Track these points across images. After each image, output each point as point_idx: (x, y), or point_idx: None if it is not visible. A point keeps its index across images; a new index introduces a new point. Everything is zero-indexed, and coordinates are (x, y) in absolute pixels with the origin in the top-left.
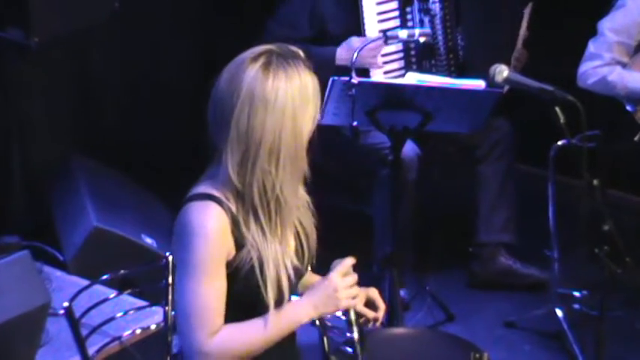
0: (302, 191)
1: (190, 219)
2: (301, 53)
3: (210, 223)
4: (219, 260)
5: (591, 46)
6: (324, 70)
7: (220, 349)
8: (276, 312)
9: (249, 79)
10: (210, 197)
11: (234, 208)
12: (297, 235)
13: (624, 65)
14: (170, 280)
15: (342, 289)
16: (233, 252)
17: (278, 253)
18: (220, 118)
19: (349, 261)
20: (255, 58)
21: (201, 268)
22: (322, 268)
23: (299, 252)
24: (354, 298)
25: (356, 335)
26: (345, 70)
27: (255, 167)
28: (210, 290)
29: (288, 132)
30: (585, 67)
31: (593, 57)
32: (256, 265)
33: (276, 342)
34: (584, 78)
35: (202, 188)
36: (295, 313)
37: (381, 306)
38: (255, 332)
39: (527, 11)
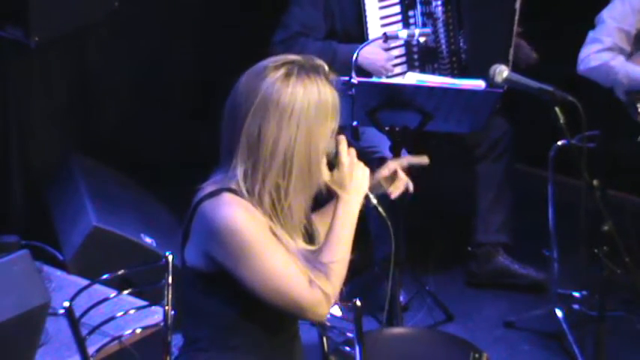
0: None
1: (215, 215)
2: (326, 67)
3: (235, 207)
4: (265, 230)
5: (591, 33)
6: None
7: (325, 288)
8: (337, 221)
9: (267, 87)
10: (220, 190)
11: (245, 194)
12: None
13: (627, 54)
14: (170, 279)
15: (356, 166)
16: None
17: (292, 244)
18: (233, 123)
19: (343, 139)
20: (276, 67)
21: (257, 244)
22: None
23: (305, 237)
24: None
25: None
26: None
27: (266, 179)
28: (278, 255)
29: (302, 147)
30: (586, 51)
31: (593, 41)
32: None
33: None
34: (585, 62)
35: (212, 187)
36: (351, 210)
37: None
38: (334, 248)
39: (517, 6)
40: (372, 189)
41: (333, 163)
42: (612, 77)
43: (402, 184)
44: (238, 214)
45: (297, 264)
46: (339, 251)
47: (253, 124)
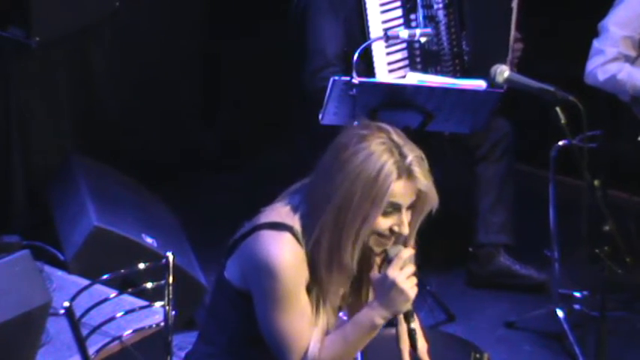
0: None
1: (268, 250)
2: (416, 158)
3: (289, 254)
4: (300, 287)
5: (596, 43)
6: None
7: None
8: (353, 322)
9: (348, 132)
10: (285, 227)
11: (304, 243)
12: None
13: (632, 59)
14: (170, 279)
15: (404, 283)
16: (308, 280)
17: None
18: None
19: (406, 253)
20: (373, 126)
21: (286, 298)
22: None
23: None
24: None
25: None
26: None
27: (317, 225)
28: (296, 316)
29: (337, 208)
30: (593, 64)
31: (598, 53)
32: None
33: (361, 349)
34: (593, 75)
35: (278, 216)
36: (370, 319)
37: None
38: (340, 345)
39: (514, 5)
40: None
41: (384, 264)
42: (619, 89)
43: None
44: (286, 262)
45: (308, 336)
46: (339, 350)
47: (326, 161)
